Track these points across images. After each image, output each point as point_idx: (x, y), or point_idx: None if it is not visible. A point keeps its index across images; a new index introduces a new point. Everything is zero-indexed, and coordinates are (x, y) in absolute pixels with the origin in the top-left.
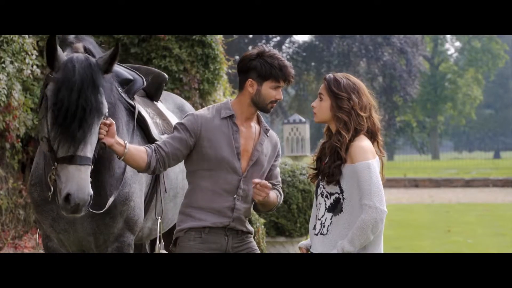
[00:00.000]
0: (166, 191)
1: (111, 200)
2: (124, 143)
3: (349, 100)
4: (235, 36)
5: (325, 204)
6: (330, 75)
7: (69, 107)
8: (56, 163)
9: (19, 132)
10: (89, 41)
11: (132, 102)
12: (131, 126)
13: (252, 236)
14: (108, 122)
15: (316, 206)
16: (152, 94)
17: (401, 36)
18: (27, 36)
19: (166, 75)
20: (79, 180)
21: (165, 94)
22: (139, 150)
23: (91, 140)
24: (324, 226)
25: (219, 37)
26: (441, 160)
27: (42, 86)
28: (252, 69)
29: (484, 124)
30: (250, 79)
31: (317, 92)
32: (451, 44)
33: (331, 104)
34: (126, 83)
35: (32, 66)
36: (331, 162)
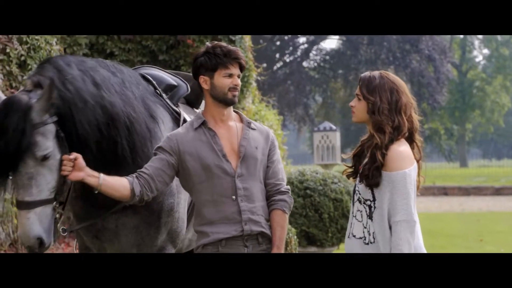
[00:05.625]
0: None
1: (121, 205)
2: (98, 174)
3: (382, 102)
4: (264, 43)
5: (366, 211)
6: (365, 75)
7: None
8: None
9: None
10: (55, 68)
11: (177, 109)
12: None
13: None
14: (71, 157)
15: (353, 213)
16: (192, 101)
17: (429, 43)
18: (54, 43)
19: None
20: (21, 226)
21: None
22: (117, 179)
23: (34, 183)
24: (370, 234)
25: (248, 44)
26: (470, 168)
27: None
28: (200, 66)
29: None
30: (201, 76)
31: (344, 99)
32: (479, 52)
33: (366, 106)
34: (170, 89)
35: None
36: (371, 164)
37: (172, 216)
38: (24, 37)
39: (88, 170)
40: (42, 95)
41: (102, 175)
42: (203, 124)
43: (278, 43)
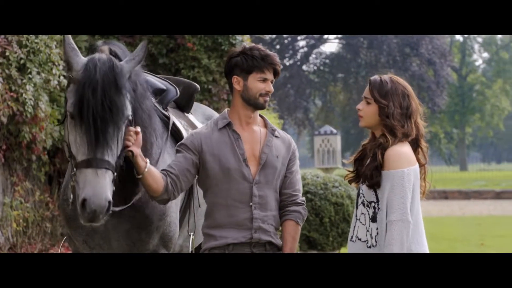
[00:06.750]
0: (200, 206)
1: (137, 196)
2: (146, 159)
3: (395, 106)
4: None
5: (369, 214)
6: (376, 78)
7: (94, 107)
8: (75, 169)
9: (46, 144)
10: (118, 45)
11: (166, 113)
12: (164, 137)
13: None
14: (137, 130)
15: (356, 216)
16: (183, 105)
17: (429, 47)
18: (54, 46)
19: (197, 85)
20: (95, 185)
21: (194, 105)
22: (158, 172)
23: (113, 144)
24: (372, 238)
25: None
26: (469, 172)
27: (65, 89)
28: (235, 66)
29: None
30: (234, 76)
31: (344, 103)
32: (479, 55)
33: (378, 110)
34: (159, 93)
35: (59, 76)
36: (371, 164)
37: (163, 220)
38: (24, 41)
39: (140, 151)
40: (133, 57)
41: (148, 161)
42: (228, 125)
43: (278, 46)
